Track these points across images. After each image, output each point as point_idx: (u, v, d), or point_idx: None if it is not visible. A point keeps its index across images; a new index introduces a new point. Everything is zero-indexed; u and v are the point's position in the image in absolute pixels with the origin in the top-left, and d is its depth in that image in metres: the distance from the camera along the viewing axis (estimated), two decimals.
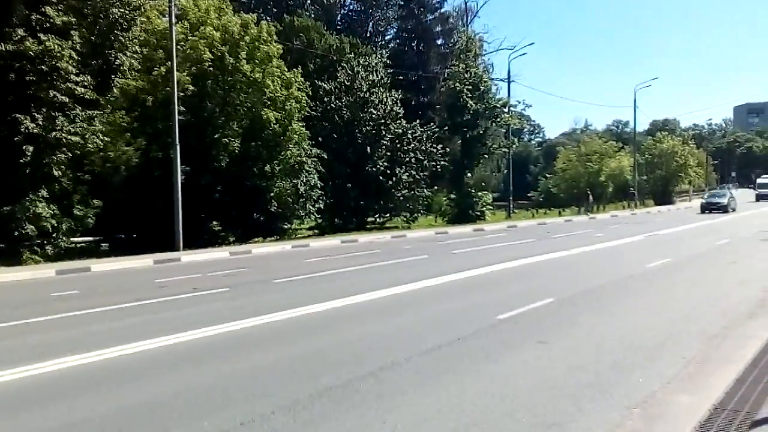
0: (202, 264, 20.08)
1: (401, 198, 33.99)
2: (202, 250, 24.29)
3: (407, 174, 34.05)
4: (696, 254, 18.80)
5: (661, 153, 64.56)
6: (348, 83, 34.20)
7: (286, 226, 35.85)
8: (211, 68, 30.07)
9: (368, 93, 34.00)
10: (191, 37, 30.03)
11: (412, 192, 34.56)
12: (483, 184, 57.56)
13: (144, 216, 29.15)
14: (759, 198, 66.70)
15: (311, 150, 34.69)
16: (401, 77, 47.82)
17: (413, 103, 49.36)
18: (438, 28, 48.63)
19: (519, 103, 48.70)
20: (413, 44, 50.38)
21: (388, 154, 33.65)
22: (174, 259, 21.13)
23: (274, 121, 31.97)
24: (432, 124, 36.16)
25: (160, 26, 29.80)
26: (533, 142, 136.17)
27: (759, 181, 74.80)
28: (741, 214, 42.41)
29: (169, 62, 29.70)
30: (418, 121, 35.56)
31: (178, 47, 30.22)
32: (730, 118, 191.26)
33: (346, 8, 60.95)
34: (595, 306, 10.86)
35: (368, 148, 33.03)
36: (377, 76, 35.24)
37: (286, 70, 34.00)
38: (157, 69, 28.76)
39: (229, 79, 30.91)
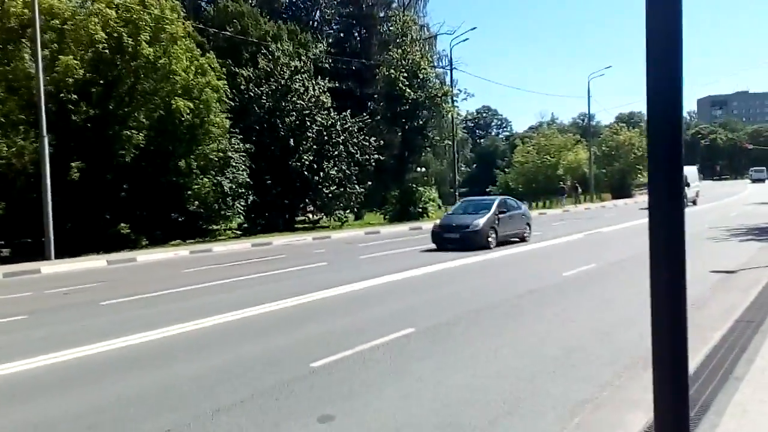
0: (63, 277, 17.13)
1: (330, 195, 31.12)
2: (79, 258, 21.24)
3: (336, 169, 31.20)
4: (626, 258, 16.31)
5: (619, 145, 62.63)
6: (269, 69, 31.25)
7: (212, 227, 33.03)
8: (106, 51, 26.99)
9: (290, 80, 31.08)
10: (77, 16, 26.93)
11: (343, 188, 31.70)
12: (433, 179, 55.38)
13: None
14: (754, 181, 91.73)
15: (239, 144, 31.80)
16: (344, 66, 45.05)
17: (358, 93, 46.63)
18: (381, 14, 45.80)
19: (460, 92, 45.88)
20: (354, 31, 47.51)
21: (315, 147, 30.77)
22: (32, 270, 18.08)
23: (188, 112, 28.97)
24: (364, 114, 33.31)
25: (44, 2, 26.45)
26: (501, 136, 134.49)
27: (752, 169, 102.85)
28: (701, 207, 40.34)
29: (55, 44, 26.82)
30: (348, 111, 32.69)
31: (65, 26, 27.19)
32: (694, 111, 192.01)
33: None
34: (456, 341, 8.19)
35: (291, 140, 30.15)
36: (300, 62, 32.33)
37: (200, 54, 31.03)
38: (43, 52, 25.59)
39: (132, 63, 27.85)
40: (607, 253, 17.49)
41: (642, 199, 58.55)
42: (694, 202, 41.22)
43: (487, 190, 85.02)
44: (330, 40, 46.96)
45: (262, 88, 30.74)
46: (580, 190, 48.71)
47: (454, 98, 40.08)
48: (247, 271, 16.31)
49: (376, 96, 39.50)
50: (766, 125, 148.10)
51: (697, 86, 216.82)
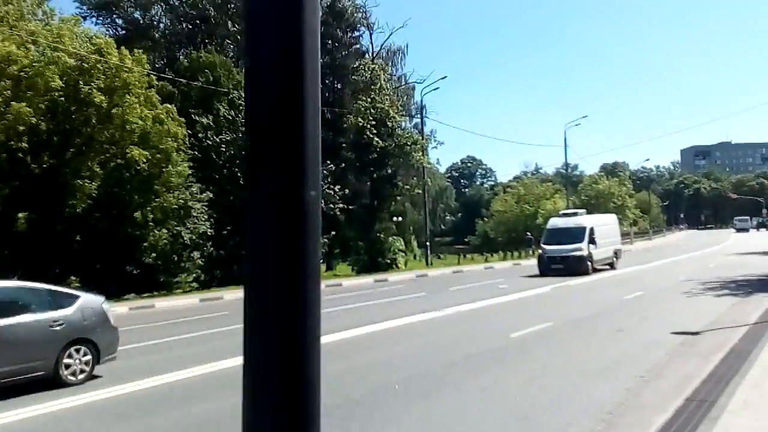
0: None
1: None
2: None
3: None
4: (588, 315, 15.09)
5: (598, 194, 61.95)
6: (230, 117, 30.27)
7: (172, 280, 31.48)
8: (62, 98, 26.05)
9: None
10: (35, 63, 26.01)
11: None
12: (411, 228, 54.24)
13: None
14: (739, 230, 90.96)
15: (201, 194, 30.57)
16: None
17: (329, 143, 45.63)
18: (355, 64, 45.32)
19: (431, 139, 45.08)
20: (327, 81, 46.91)
21: None
22: None
23: (144, 161, 27.80)
24: (328, 162, 32.14)
25: (2, 49, 25.59)
26: (485, 185, 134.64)
27: (736, 219, 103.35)
28: (669, 260, 39.25)
29: (9, 91, 25.85)
30: (328, 161, 31.64)
31: (22, 73, 26.23)
32: (678, 161, 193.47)
33: None
34: None
35: None
36: None
37: (159, 102, 30.04)
38: None
39: (85, 110, 26.85)
40: (565, 310, 16.23)
41: (623, 248, 57.57)
42: (612, 265, 31.84)
43: (465, 240, 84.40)
44: None
45: (221, 136, 29.68)
46: (533, 240, 46.94)
47: (424, 146, 39.13)
48: (171, 333, 14.90)
49: (344, 144, 38.57)
50: (749, 175, 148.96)
51: (679, 133, 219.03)
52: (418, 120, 67.52)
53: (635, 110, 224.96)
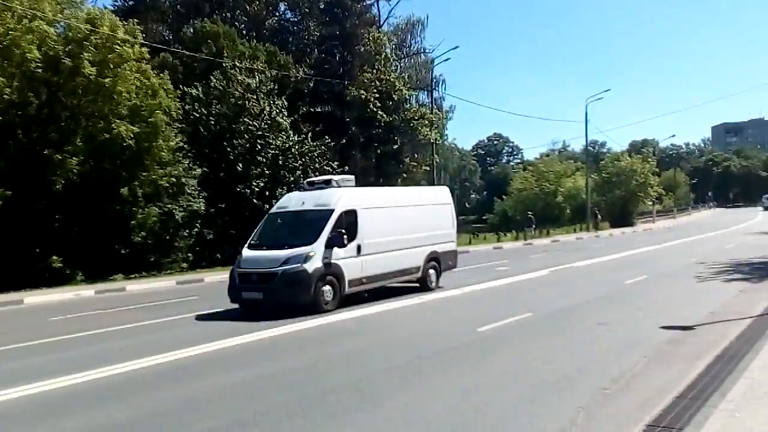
0: None
1: None
2: None
3: None
4: (576, 304, 13.51)
5: (619, 171, 59.61)
6: (222, 88, 28.82)
7: (164, 260, 30.38)
8: (39, 70, 24.85)
9: (244, 100, 28.58)
10: (11, 32, 24.78)
11: None
12: None
13: None
14: (766, 209, 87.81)
15: (196, 170, 29.31)
16: (325, 89, 42.59)
17: (339, 117, 44.08)
18: (365, 34, 43.40)
19: (439, 112, 43.01)
20: (336, 52, 45.13)
21: (268, 172, 28.14)
22: None
23: (131, 137, 26.56)
24: (326, 137, 30.40)
25: None
26: (512, 163, 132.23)
27: (764, 197, 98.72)
28: (693, 239, 37.27)
29: None
30: (309, 134, 30.00)
31: None
32: (708, 138, 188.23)
33: (278, 18, 55.94)
34: None
35: (239, 165, 27.55)
36: (256, 80, 29.83)
37: (153, 75, 28.75)
38: None
39: (72, 83, 25.67)
40: (551, 298, 14.66)
41: (644, 227, 55.47)
42: (424, 283, 16.81)
43: (484, 218, 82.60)
44: (311, 62, 44.60)
45: (211, 108, 28.27)
46: (534, 222, 44.23)
47: (433, 121, 37.26)
48: (123, 320, 13.68)
49: (347, 120, 36.91)
50: None
51: (710, 110, 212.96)
52: (437, 95, 66.04)
53: (664, 86, 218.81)
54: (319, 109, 40.55)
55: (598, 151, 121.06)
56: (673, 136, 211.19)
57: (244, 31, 55.46)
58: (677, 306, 12.86)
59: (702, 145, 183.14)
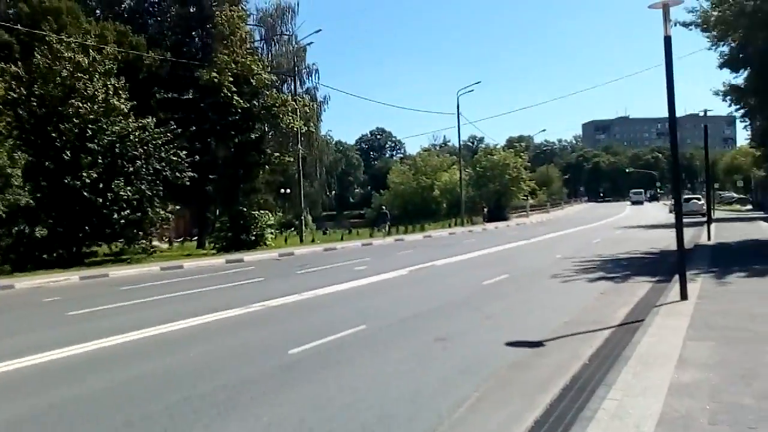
0: None
1: (123, 221, 25.12)
2: None
3: (131, 189, 25.23)
4: (420, 312, 11.65)
5: (493, 165, 59.70)
6: (47, 67, 25.14)
7: None
8: None
9: (73, 80, 25.08)
10: None
11: (139, 213, 25.75)
12: (295, 201, 50.06)
13: None
14: (634, 203, 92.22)
15: (24, 159, 25.34)
16: (185, 74, 39.07)
17: (201, 104, 40.68)
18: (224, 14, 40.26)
19: (307, 101, 40.82)
20: (194, 34, 41.76)
21: (102, 162, 24.80)
22: None
23: None
24: (172, 124, 27.19)
25: None
26: (395, 157, 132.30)
27: (631, 192, 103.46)
28: (562, 233, 37.11)
29: None
30: (151, 118, 26.77)
31: None
32: (579, 135, 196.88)
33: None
34: None
35: (67, 153, 24.07)
36: (89, 58, 26.33)
37: None
38: None
39: None
40: (402, 304, 12.81)
41: (517, 222, 55.68)
42: None
43: (361, 213, 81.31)
44: (169, 44, 40.97)
45: (33, 88, 24.55)
46: (389, 217, 42.95)
47: (295, 109, 34.79)
48: None
49: (202, 105, 33.77)
50: (645, 149, 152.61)
51: (581, 108, 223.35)
52: (311, 85, 63.66)
53: (536, 81, 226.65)
54: (177, 95, 37.35)
55: (476, 146, 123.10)
56: (544, 130, 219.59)
57: (97, 11, 50.86)
58: (530, 313, 11.31)
59: (574, 141, 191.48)
